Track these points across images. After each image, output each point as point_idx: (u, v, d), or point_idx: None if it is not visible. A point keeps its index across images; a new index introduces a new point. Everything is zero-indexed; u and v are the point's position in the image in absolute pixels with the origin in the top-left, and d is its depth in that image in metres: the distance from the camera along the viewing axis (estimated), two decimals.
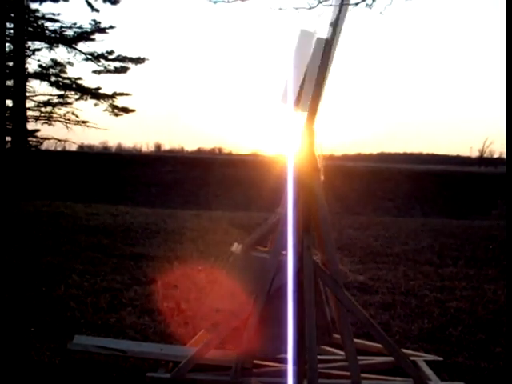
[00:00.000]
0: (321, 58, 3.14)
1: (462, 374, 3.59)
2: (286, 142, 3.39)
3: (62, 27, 25.94)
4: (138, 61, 26.90)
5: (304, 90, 3.22)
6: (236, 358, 3.28)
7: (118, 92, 27.24)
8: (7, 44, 25.03)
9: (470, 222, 12.56)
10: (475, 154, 58.65)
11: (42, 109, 26.82)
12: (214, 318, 3.32)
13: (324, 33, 3.22)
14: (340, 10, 3.13)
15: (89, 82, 32.48)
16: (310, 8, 4.55)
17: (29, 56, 26.23)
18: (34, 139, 26.78)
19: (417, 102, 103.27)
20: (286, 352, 3.06)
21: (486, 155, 56.58)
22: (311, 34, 3.25)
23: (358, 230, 9.84)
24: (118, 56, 26.73)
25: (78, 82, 26.81)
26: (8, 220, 9.63)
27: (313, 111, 3.22)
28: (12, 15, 25.10)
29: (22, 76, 25.32)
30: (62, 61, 26.47)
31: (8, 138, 25.32)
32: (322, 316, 3.27)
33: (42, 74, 26.75)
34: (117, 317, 4.49)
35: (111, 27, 26.19)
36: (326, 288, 3.36)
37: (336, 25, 3.12)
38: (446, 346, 4.06)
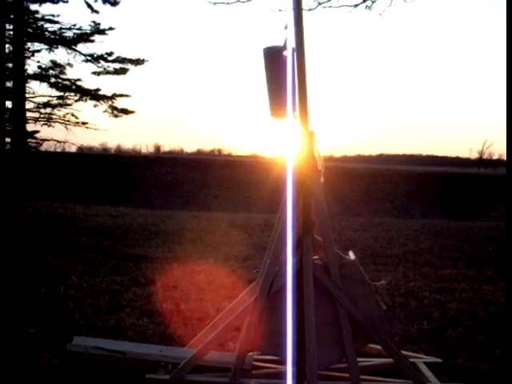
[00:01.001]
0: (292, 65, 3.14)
1: (462, 375, 3.59)
2: (285, 143, 3.38)
3: (61, 28, 26.00)
4: (138, 62, 26.96)
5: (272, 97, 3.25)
6: (235, 359, 3.27)
7: (117, 93, 27.31)
8: (7, 45, 25.06)
9: (469, 223, 12.55)
10: (475, 155, 58.81)
11: (42, 110, 26.87)
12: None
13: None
14: (297, 14, 3.12)
15: (88, 83, 32.42)
16: (310, 10, 4.56)
17: (28, 57, 26.29)
18: (34, 140, 26.80)
19: (417, 102, 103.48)
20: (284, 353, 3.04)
21: (485, 157, 56.76)
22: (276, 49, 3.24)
23: (358, 231, 9.83)
24: (118, 57, 26.78)
25: (78, 83, 26.88)
26: (7, 221, 9.62)
27: (304, 114, 3.20)
28: (12, 16, 25.13)
29: (22, 77, 25.34)
30: (61, 62, 26.55)
31: (7, 140, 25.35)
32: (376, 306, 3.30)
33: (42, 76, 26.79)
34: (116, 318, 4.48)
35: (111, 28, 26.27)
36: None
37: (298, 29, 3.11)
38: (445, 348, 4.06)
